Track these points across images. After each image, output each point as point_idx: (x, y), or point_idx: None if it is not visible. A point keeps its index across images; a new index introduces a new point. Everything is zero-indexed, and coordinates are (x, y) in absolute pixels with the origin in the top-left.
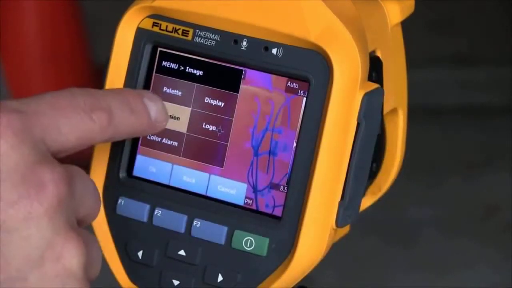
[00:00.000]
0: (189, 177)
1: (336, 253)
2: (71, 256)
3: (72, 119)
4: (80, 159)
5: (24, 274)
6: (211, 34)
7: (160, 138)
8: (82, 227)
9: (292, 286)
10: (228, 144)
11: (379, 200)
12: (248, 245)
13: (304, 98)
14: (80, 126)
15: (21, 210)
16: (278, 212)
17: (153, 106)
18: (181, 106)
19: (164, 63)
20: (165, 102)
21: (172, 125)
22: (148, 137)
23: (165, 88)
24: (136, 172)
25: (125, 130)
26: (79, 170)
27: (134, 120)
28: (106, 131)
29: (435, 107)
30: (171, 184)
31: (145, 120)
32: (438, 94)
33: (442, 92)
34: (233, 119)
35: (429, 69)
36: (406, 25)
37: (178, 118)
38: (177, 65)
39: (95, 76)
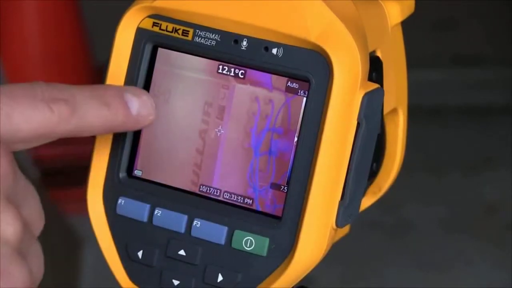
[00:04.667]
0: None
1: (336, 252)
2: (6, 225)
3: (26, 108)
4: (79, 159)
5: None
6: (211, 34)
7: (160, 137)
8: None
9: (292, 286)
10: (228, 144)
11: (380, 200)
12: (248, 245)
13: (304, 98)
14: (34, 115)
15: None
16: (278, 212)
17: (135, 100)
18: (181, 106)
19: (164, 63)
20: (164, 102)
21: (171, 124)
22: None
23: (165, 88)
24: (136, 172)
25: (95, 123)
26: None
27: (106, 112)
28: (68, 122)
29: (436, 107)
30: (171, 184)
31: (121, 113)
32: (439, 94)
33: (443, 92)
34: (233, 119)
35: (430, 69)
36: (408, 25)
37: (177, 117)
38: (177, 65)
39: (96, 76)
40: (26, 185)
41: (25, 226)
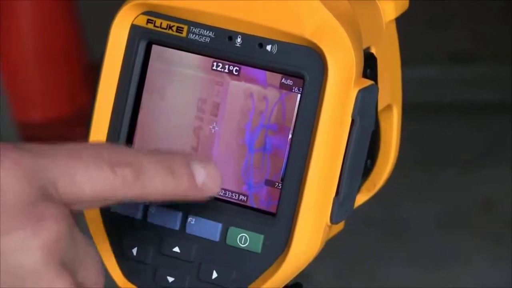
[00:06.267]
0: None
1: (331, 249)
2: None
3: (90, 170)
4: None
5: None
6: (205, 31)
7: (154, 134)
8: None
9: (286, 283)
10: (222, 141)
11: (376, 196)
12: (242, 242)
13: (299, 95)
14: (97, 177)
15: (13, 240)
16: (272, 208)
17: (201, 171)
18: (175, 103)
19: (158, 60)
20: (158, 99)
21: (166, 121)
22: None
23: (159, 85)
24: None
25: (159, 191)
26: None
27: (171, 180)
28: (131, 188)
29: (432, 104)
30: None
31: (186, 183)
32: (436, 91)
33: (439, 89)
34: (228, 115)
35: (427, 66)
36: (403, 21)
37: (171, 114)
38: (171, 62)
39: (91, 74)
40: (85, 247)
41: None
